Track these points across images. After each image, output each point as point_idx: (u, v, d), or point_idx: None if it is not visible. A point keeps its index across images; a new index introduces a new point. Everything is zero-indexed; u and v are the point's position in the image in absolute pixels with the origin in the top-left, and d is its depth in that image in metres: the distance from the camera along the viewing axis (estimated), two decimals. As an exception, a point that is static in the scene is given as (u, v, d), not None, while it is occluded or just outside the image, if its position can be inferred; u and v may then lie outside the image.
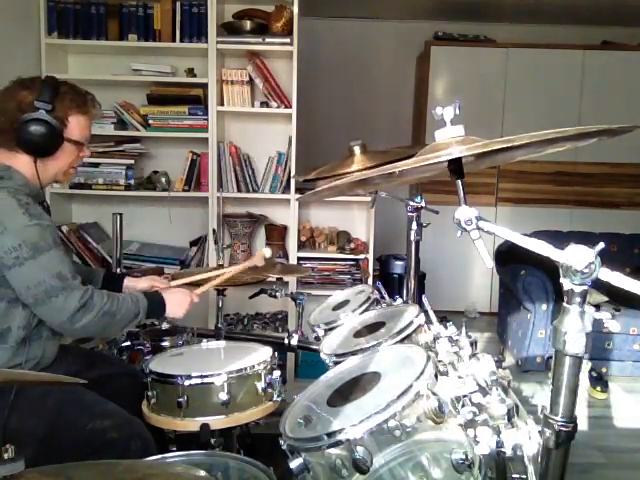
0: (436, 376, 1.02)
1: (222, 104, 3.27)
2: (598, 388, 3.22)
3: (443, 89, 4.62)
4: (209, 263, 3.28)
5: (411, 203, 1.87)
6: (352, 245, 3.40)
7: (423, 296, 1.63)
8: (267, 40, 3.17)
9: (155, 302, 1.67)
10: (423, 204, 1.88)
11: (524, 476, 1.00)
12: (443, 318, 1.47)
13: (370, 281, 3.26)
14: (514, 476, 1.10)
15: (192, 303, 1.76)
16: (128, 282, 1.89)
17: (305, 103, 3.57)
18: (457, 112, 1.04)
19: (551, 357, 0.77)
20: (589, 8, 4.29)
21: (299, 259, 3.37)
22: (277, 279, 2.31)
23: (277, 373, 1.64)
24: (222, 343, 1.93)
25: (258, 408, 1.61)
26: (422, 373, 0.98)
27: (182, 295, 1.75)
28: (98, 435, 1.43)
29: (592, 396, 3.22)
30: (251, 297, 2.36)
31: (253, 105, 3.29)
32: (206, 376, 1.57)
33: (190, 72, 3.28)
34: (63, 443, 1.44)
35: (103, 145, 3.26)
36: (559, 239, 3.38)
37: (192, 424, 1.55)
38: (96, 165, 3.26)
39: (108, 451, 1.41)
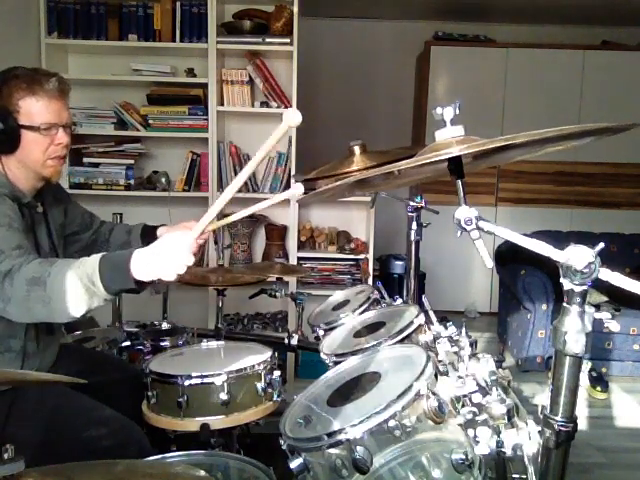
0: (436, 376, 1.02)
1: (222, 104, 3.27)
2: (598, 388, 3.22)
3: (443, 89, 4.61)
4: (209, 263, 3.28)
5: (411, 203, 1.87)
6: (352, 245, 3.40)
7: (423, 296, 1.63)
8: (267, 40, 3.17)
9: (115, 261, 1.22)
10: (423, 204, 1.88)
11: (524, 476, 1.00)
12: (443, 318, 1.47)
13: (370, 281, 3.26)
14: (514, 476, 1.10)
15: (190, 253, 1.21)
16: (161, 232, 1.74)
17: (305, 103, 3.56)
18: (457, 112, 1.04)
19: (551, 357, 0.76)
20: (589, 8, 4.29)
21: (299, 259, 3.37)
22: (277, 279, 2.31)
23: (277, 373, 1.64)
24: (222, 343, 1.92)
25: (258, 408, 1.61)
26: (422, 373, 0.98)
27: (174, 243, 1.20)
28: (93, 443, 1.42)
29: (592, 396, 3.22)
30: (251, 297, 2.36)
31: (253, 105, 3.29)
32: (206, 376, 1.57)
33: (190, 72, 3.28)
34: (58, 450, 1.41)
35: (103, 145, 3.26)
36: (559, 239, 3.40)
37: (192, 424, 1.55)
38: (96, 165, 3.26)
39: (103, 459, 1.39)
